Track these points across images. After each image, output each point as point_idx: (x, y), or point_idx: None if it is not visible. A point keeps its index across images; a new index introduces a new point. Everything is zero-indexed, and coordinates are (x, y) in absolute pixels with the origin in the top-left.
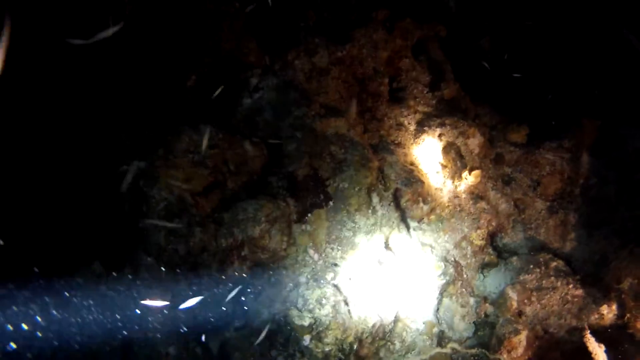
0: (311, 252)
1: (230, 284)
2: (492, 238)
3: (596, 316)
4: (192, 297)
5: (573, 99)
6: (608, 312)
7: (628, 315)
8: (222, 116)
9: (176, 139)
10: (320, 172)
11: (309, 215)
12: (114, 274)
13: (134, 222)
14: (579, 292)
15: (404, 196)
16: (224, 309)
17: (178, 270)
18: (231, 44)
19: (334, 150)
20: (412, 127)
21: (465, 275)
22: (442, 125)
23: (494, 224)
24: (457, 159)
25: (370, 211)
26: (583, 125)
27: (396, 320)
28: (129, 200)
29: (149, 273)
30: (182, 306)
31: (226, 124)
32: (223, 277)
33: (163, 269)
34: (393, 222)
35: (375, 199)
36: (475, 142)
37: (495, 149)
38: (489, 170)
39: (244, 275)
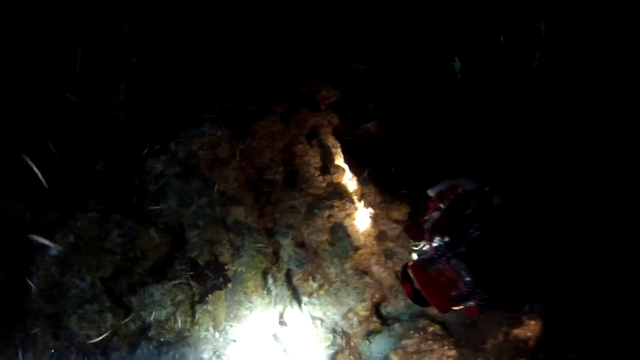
0: (212, 330)
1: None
2: (376, 307)
3: None
4: None
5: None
6: None
7: None
8: (129, 202)
9: (86, 226)
10: (220, 257)
11: (210, 296)
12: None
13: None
14: (453, 352)
15: (296, 275)
16: None
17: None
18: (142, 133)
19: (232, 237)
20: (304, 210)
21: (352, 343)
22: (330, 207)
23: (377, 295)
24: (344, 238)
25: (265, 292)
26: None
27: None
28: (38, 284)
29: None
30: None
31: (133, 210)
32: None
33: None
34: (286, 300)
35: (269, 281)
36: (360, 223)
37: (379, 227)
38: (372, 247)
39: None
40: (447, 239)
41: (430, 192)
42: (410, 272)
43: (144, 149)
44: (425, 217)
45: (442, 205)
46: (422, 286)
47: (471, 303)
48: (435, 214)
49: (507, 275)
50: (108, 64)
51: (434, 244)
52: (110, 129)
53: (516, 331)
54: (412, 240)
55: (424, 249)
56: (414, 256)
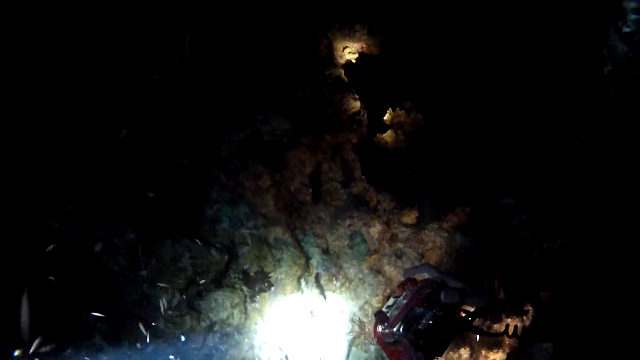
0: (260, 322)
1: (208, 350)
2: (387, 299)
3: (457, 356)
4: None
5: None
6: (464, 353)
7: (475, 355)
8: (193, 226)
9: (164, 251)
10: (265, 268)
11: (257, 296)
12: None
13: (136, 311)
14: None
15: (323, 277)
16: None
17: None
18: (201, 167)
19: (274, 252)
20: (328, 220)
21: (367, 330)
22: (350, 217)
23: (388, 290)
24: (361, 243)
25: (300, 292)
26: (457, 212)
27: None
28: (132, 296)
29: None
30: None
31: (195, 232)
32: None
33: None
34: (315, 296)
35: (302, 283)
36: (375, 230)
37: (391, 230)
38: (385, 249)
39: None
40: (402, 328)
41: (401, 277)
42: (375, 338)
43: (201, 179)
44: (391, 302)
45: (404, 296)
46: (382, 348)
47: None
48: (399, 302)
49: (442, 347)
50: (167, 109)
51: (394, 330)
52: (175, 166)
53: (496, 326)
54: (379, 324)
55: (386, 330)
56: (380, 329)
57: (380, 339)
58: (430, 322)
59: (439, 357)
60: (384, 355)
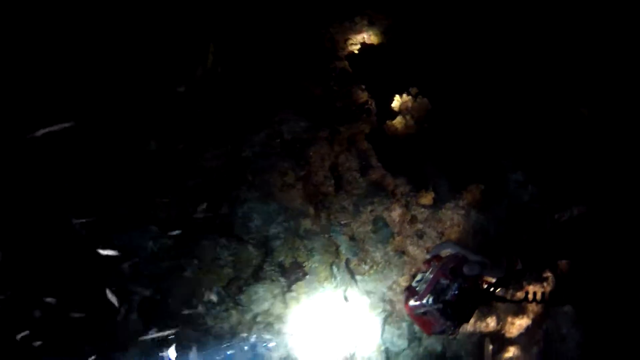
0: (298, 310)
1: (252, 340)
2: (413, 278)
3: (484, 325)
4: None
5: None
6: (491, 322)
7: (501, 323)
8: (228, 226)
9: (204, 252)
10: (298, 259)
11: (294, 286)
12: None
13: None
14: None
15: (352, 262)
16: (249, 355)
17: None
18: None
19: (306, 243)
20: (351, 208)
21: (397, 308)
22: (371, 203)
23: (413, 269)
24: (383, 227)
25: (332, 278)
26: (471, 190)
27: (356, 346)
28: (177, 295)
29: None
30: None
31: (230, 231)
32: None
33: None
34: (347, 281)
35: (335, 270)
36: (396, 213)
37: (410, 212)
38: (406, 231)
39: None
40: (431, 299)
41: (427, 255)
42: (407, 311)
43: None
44: (419, 277)
45: (430, 271)
46: (414, 320)
47: (445, 332)
48: (427, 277)
49: (468, 314)
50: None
51: (423, 302)
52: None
53: (519, 294)
54: (410, 297)
55: (416, 303)
56: (412, 302)
57: (412, 311)
58: (456, 292)
59: (466, 324)
60: (416, 328)
